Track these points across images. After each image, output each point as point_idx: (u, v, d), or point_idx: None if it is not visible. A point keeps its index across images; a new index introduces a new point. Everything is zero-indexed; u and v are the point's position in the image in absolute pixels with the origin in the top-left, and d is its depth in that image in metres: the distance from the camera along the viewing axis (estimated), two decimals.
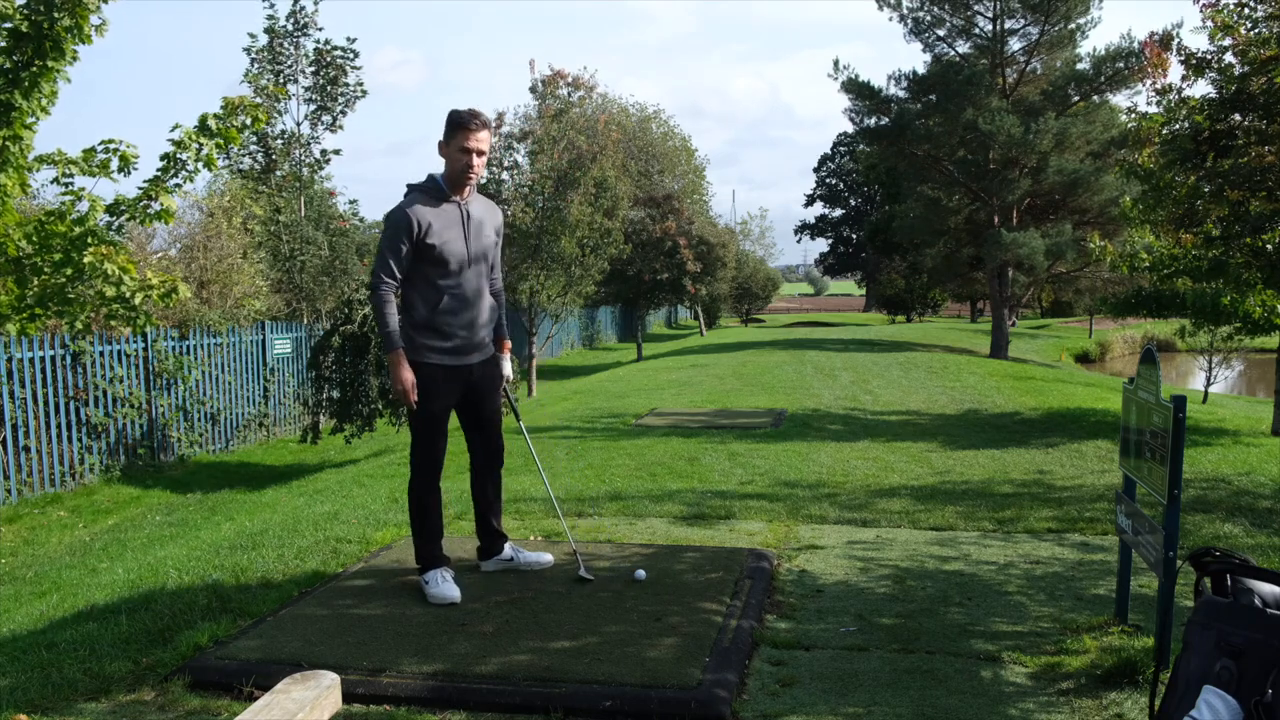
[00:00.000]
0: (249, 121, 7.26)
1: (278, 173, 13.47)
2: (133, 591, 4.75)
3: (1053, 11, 20.98)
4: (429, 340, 4.03)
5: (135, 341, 10.77)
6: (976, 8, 22.21)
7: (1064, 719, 3.12)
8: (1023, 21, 21.96)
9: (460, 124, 3.96)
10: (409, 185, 4.09)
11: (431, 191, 4.02)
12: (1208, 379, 18.04)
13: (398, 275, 3.97)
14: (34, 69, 6.34)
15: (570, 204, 17.43)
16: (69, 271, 6.71)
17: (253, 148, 13.75)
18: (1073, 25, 21.55)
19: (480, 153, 3.98)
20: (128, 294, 6.86)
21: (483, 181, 19.04)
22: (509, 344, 4.41)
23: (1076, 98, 21.35)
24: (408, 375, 3.96)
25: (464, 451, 4.61)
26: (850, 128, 25.39)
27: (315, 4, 13.61)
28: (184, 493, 9.80)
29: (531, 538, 5.36)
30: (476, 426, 4.31)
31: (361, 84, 14.14)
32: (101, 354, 10.30)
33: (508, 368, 4.37)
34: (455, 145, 3.96)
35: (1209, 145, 8.46)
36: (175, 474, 10.70)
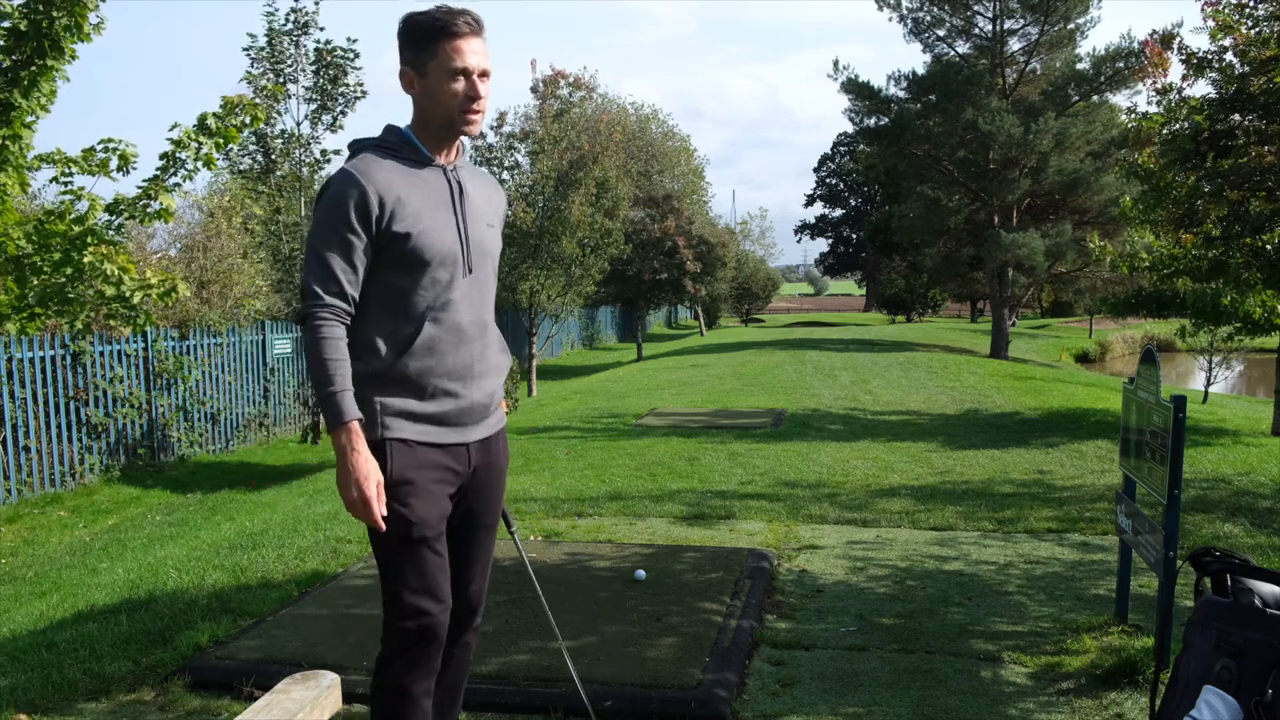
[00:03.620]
0: (248, 120, 7.25)
1: (277, 173, 13.46)
2: (133, 591, 4.75)
3: (1052, 11, 20.97)
4: (399, 401, 2.29)
5: (135, 341, 10.76)
6: (976, 8, 22.20)
7: (1064, 719, 3.12)
8: (1022, 21, 21.95)
9: (443, 29, 2.26)
10: (354, 142, 2.40)
11: (398, 148, 2.34)
12: (1208, 379, 18.02)
13: (349, 290, 2.25)
14: (33, 68, 6.33)
15: (571, 204, 17.44)
16: (68, 271, 6.71)
17: (252, 148, 13.75)
18: (1072, 25, 21.54)
19: (484, 73, 2.31)
20: (127, 293, 6.86)
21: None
22: (507, 403, 2.75)
23: (1076, 98, 21.35)
24: (370, 473, 2.19)
25: None
26: (850, 128, 25.41)
27: (316, 3, 13.61)
28: (184, 493, 9.80)
29: (531, 537, 5.36)
30: (458, 555, 2.46)
31: (361, 84, 14.14)
32: (101, 354, 10.29)
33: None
34: (440, 67, 2.27)
35: (1209, 145, 8.45)
36: (175, 474, 10.69)
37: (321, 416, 2.23)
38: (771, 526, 5.60)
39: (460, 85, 2.28)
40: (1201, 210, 8.97)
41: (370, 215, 2.23)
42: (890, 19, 22.92)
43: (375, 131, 2.43)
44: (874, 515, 5.83)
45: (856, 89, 22.22)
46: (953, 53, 22.89)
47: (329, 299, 2.23)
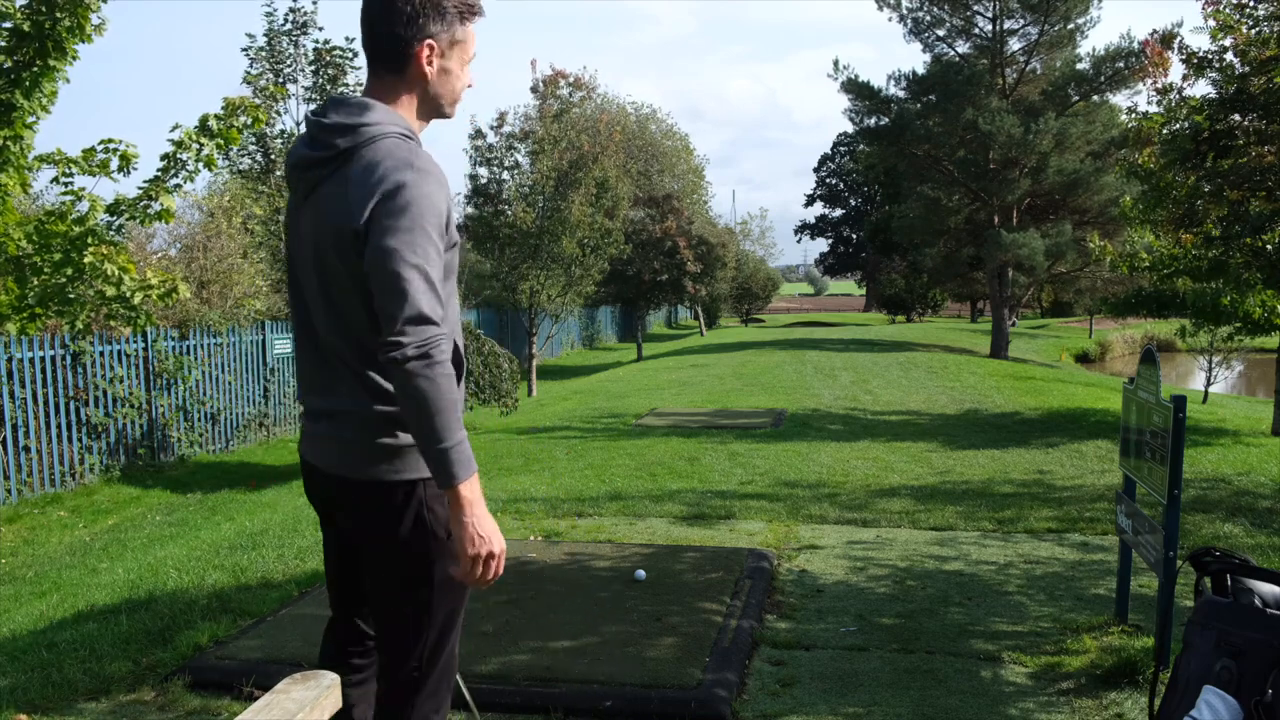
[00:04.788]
0: (249, 121, 7.25)
1: (277, 173, 13.46)
2: (133, 591, 4.75)
3: (1052, 11, 20.97)
4: None
5: (135, 341, 10.76)
6: (976, 8, 22.20)
7: (1064, 719, 3.12)
8: (1022, 21, 21.95)
9: (473, 9, 2.05)
10: (395, 127, 1.98)
11: (413, 137, 2.04)
12: (1208, 379, 18.02)
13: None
14: (35, 69, 6.34)
15: (571, 204, 17.44)
16: (69, 271, 6.70)
17: (252, 148, 13.77)
18: (1072, 25, 21.54)
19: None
20: (128, 294, 6.85)
21: None
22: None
23: (1076, 98, 21.35)
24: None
25: None
26: (850, 128, 25.41)
27: (314, 3, 13.63)
28: (184, 493, 9.79)
29: (531, 538, 5.36)
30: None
31: (361, 84, 14.18)
32: (101, 354, 10.29)
33: None
34: (463, 50, 2.07)
35: (1209, 145, 8.45)
36: (175, 474, 10.69)
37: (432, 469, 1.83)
38: (771, 526, 5.60)
39: (468, 73, 2.10)
40: (1201, 210, 8.97)
41: (451, 225, 1.96)
42: (890, 19, 22.95)
43: None
44: (874, 515, 5.83)
45: (856, 89, 22.22)
46: (953, 53, 22.89)
47: (446, 328, 1.85)
